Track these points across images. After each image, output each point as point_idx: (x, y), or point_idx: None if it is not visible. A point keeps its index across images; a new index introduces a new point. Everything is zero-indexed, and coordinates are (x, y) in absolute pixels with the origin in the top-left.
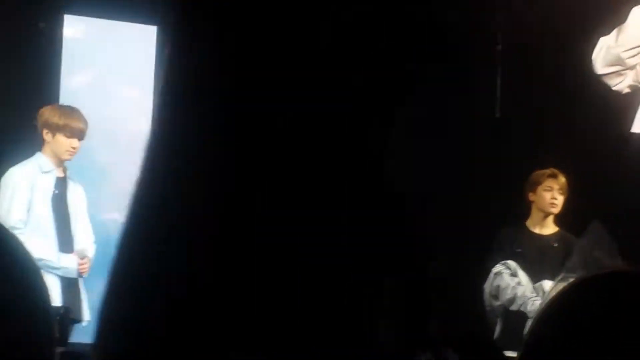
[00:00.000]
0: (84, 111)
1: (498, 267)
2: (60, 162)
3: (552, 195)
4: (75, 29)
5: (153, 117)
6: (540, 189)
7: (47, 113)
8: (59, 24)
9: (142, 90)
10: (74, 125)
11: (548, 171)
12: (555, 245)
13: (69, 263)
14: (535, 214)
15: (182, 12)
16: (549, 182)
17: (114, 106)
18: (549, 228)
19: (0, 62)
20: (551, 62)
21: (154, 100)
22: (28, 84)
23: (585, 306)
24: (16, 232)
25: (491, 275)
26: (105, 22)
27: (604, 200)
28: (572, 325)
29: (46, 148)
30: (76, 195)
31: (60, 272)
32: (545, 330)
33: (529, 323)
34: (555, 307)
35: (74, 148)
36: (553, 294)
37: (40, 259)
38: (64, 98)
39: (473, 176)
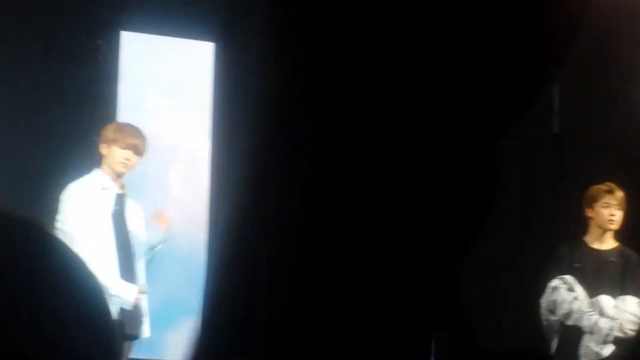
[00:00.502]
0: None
1: (555, 282)
2: (117, 177)
3: (610, 211)
4: (132, 46)
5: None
6: (597, 205)
7: (106, 130)
8: (116, 41)
9: (199, 107)
10: (127, 139)
11: (605, 187)
12: (614, 260)
13: (128, 294)
14: (593, 230)
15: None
16: (607, 199)
17: (171, 123)
18: (608, 243)
19: (60, 79)
20: (610, 76)
21: (212, 117)
22: (86, 100)
23: None
24: (78, 250)
25: (548, 289)
26: (161, 38)
27: None
28: None
29: (103, 163)
30: (135, 213)
31: (114, 299)
32: None
33: (584, 338)
34: None
35: (127, 159)
36: (612, 311)
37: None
38: (122, 114)
39: (532, 192)
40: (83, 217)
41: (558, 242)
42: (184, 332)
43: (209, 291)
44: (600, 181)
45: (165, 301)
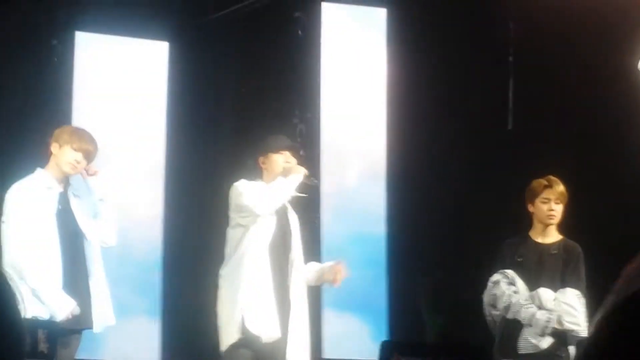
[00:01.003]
0: (95, 127)
1: (496, 276)
2: (62, 178)
3: (549, 206)
4: (87, 46)
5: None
6: (537, 200)
7: (59, 131)
8: (71, 41)
9: (153, 107)
10: (82, 143)
11: (544, 181)
12: (555, 253)
13: (60, 310)
14: (536, 225)
15: None
16: (546, 194)
17: (125, 123)
18: (552, 237)
19: (14, 79)
20: (564, 71)
21: (167, 117)
22: (40, 100)
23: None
24: (25, 250)
25: (489, 284)
26: (116, 38)
27: (607, 205)
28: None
29: (51, 162)
30: (80, 211)
31: (43, 307)
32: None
33: (523, 331)
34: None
35: (77, 162)
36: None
37: (35, 291)
38: (76, 115)
39: (485, 187)
40: (26, 218)
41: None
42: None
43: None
44: (545, 175)
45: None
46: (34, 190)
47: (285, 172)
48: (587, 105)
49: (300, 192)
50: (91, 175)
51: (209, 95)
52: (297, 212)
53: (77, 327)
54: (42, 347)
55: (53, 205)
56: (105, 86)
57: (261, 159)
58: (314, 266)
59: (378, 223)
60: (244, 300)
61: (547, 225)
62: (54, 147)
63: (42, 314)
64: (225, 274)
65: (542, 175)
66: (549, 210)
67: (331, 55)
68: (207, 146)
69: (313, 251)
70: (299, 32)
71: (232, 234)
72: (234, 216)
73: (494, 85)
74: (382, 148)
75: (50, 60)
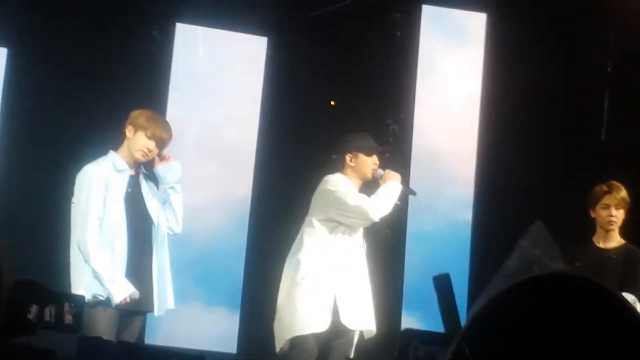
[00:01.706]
0: (190, 118)
1: None
2: (134, 163)
3: (608, 212)
4: (187, 38)
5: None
6: (598, 206)
7: (137, 114)
8: (171, 32)
9: (250, 100)
10: (157, 130)
11: (605, 187)
12: (614, 257)
13: (117, 294)
14: (598, 230)
15: None
16: (606, 199)
17: (220, 116)
18: (613, 241)
19: (114, 68)
20: None
21: (261, 111)
22: (138, 89)
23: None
24: (92, 232)
25: None
26: (216, 31)
27: None
28: (508, 326)
29: (123, 146)
30: (150, 196)
31: (103, 289)
32: (482, 328)
33: None
34: (493, 309)
35: (149, 150)
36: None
37: (96, 272)
38: (171, 104)
39: (577, 197)
40: (96, 199)
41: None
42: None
43: None
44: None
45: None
46: (104, 172)
47: (384, 179)
48: None
49: (397, 200)
50: (164, 161)
51: (304, 93)
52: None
53: (137, 309)
54: (68, 319)
55: (123, 188)
56: (202, 78)
57: (349, 157)
58: None
59: (465, 226)
60: (342, 296)
61: (607, 231)
62: (129, 131)
63: (102, 295)
64: (305, 260)
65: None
66: (609, 216)
67: (428, 57)
68: (299, 142)
69: (398, 251)
70: (398, 33)
71: (320, 225)
72: (328, 210)
73: (590, 95)
74: (472, 151)
75: (149, 50)
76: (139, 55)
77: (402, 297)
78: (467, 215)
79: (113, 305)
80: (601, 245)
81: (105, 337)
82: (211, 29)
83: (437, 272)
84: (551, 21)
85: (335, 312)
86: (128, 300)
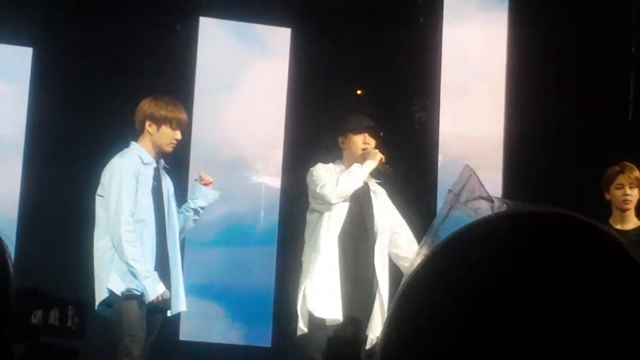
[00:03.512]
0: (214, 110)
1: None
2: (159, 154)
3: (623, 192)
4: (210, 31)
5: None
6: (612, 187)
7: (151, 106)
8: (195, 26)
9: (273, 91)
10: (180, 117)
11: (617, 167)
12: (634, 239)
13: (151, 292)
14: (614, 211)
15: None
16: (619, 179)
17: (245, 108)
18: (631, 223)
19: (138, 64)
20: None
21: (287, 103)
22: (163, 84)
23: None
24: (128, 227)
25: None
26: (238, 24)
27: None
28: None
29: (145, 140)
30: (169, 188)
31: (137, 288)
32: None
33: None
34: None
35: (176, 140)
36: None
37: (132, 267)
38: (197, 97)
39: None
40: (129, 194)
41: None
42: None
43: None
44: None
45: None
46: (133, 165)
47: (363, 157)
48: None
49: (376, 179)
50: (205, 184)
51: (329, 83)
52: (411, 198)
53: (163, 306)
54: (72, 324)
55: (150, 182)
56: (227, 70)
57: (340, 139)
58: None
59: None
60: (311, 285)
61: (624, 211)
62: (149, 127)
63: (137, 290)
64: (303, 259)
65: None
66: (623, 195)
67: (452, 43)
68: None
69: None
70: (421, 19)
71: (309, 218)
72: (310, 201)
73: (615, 76)
74: (499, 135)
75: (173, 45)
76: (163, 50)
77: None
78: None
79: (146, 302)
80: (619, 227)
81: (139, 332)
82: (234, 22)
83: None
84: (576, 3)
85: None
86: (160, 299)
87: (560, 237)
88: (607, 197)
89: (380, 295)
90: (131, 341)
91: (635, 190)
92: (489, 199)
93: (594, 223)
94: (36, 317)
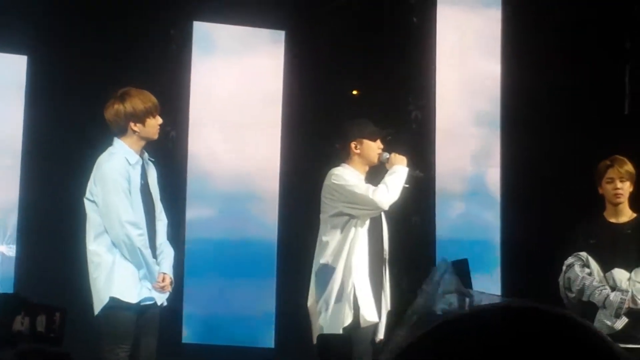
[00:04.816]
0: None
1: (570, 260)
2: (141, 148)
3: (613, 186)
4: (204, 36)
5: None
6: (603, 181)
7: (126, 106)
8: (188, 30)
9: (272, 92)
10: (155, 101)
11: (607, 161)
12: (629, 231)
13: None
14: (608, 205)
15: None
16: (610, 173)
17: (241, 111)
18: (624, 216)
19: (133, 69)
20: None
21: (282, 105)
22: (158, 90)
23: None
24: (122, 228)
25: (564, 267)
26: (232, 27)
27: None
28: None
29: (132, 137)
30: (153, 179)
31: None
32: None
33: (598, 313)
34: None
35: (160, 124)
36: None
37: (139, 267)
38: (194, 102)
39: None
40: (126, 196)
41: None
42: None
43: None
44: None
45: None
46: (122, 166)
47: (390, 163)
48: None
49: (405, 183)
50: (164, 287)
51: (324, 84)
52: (411, 195)
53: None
54: (52, 331)
55: (138, 181)
56: (222, 74)
57: (354, 144)
58: None
59: (493, 208)
60: (359, 285)
61: (616, 205)
62: (137, 126)
63: (152, 297)
64: (328, 260)
65: None
66: (614, 189)
67: (445, 42)
68: (321, 134)
69: (427, 235)
70: (414, 19)
71: (334, 222)
72: (337, 205)
73: (611, 71)
74: (496, 134)
75: (168, 50)
76: (158, 56)
77: None
78: (494, 197)
79: (159, 304)
80: (613, 220)
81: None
82: (228, 26)
83: (467, 255)
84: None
85: (357, 308)
86: (165, 303)
87: (538, 335)
88: (600, 191)
89: (386, 299)
90: (118, 346)
91: (627, 184)
92: (466, 293)
93: (571, 316)
94: (16, 325)
